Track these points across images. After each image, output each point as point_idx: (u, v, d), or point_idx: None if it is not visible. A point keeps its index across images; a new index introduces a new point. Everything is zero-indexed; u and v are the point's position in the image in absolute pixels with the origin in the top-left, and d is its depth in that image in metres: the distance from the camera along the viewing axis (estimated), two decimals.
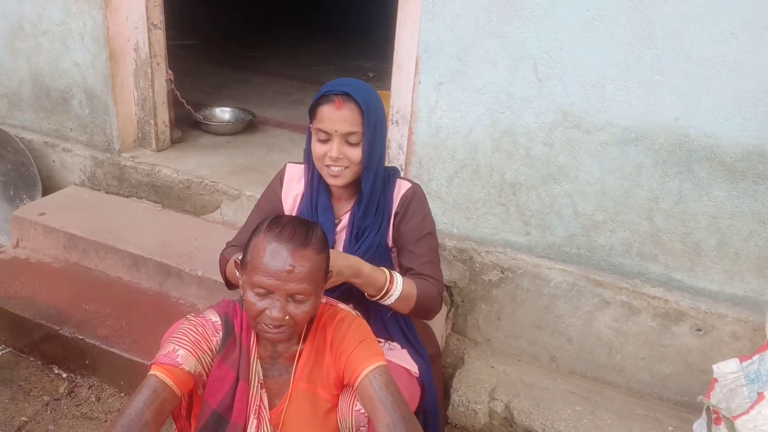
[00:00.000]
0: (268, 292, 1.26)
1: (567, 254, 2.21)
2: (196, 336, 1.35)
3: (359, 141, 1.54)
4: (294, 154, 3.16)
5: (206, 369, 1.35)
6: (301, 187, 1.73)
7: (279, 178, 1.79)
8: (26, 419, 2.10)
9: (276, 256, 1.24)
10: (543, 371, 2.34)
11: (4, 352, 2.42)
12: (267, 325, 1.28)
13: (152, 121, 2.96)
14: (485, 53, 2.04)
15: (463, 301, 2.43)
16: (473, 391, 2.20)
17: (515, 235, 2.26)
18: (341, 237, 1.70)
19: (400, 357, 1.74)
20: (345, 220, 1.69)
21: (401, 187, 1.68)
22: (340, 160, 1.54)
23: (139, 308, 2.45)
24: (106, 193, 3.02)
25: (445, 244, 2.35)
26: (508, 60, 2.02)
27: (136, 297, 2.51)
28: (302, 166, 1.73)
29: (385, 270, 1.58)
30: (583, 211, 2.13)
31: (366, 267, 1.55)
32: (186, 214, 2.86)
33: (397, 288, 1.57)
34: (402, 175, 1.77)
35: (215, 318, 1.39)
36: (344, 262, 1.49)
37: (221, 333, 1.38)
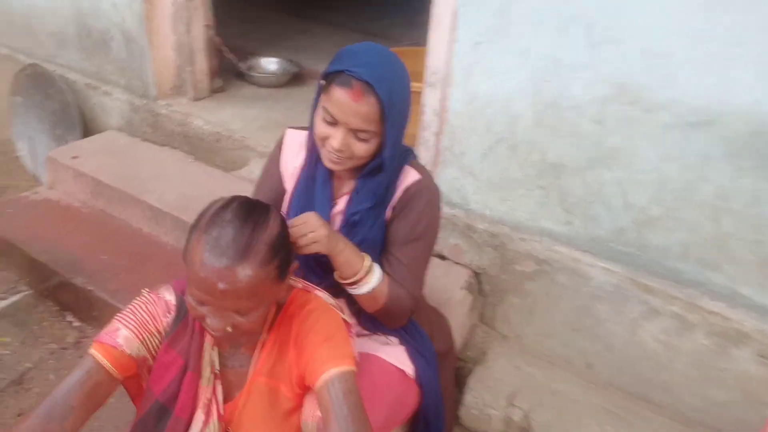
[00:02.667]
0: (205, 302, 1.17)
1: (613, 251, 1.97)
2: (144, 315, 1.29)
3: (370, 138, 1.38)
4: None
5: (153, 353, 1.29)
6: (302, 159, 1.59)
7: (278, 146, 1.66)
8: (30, 366, 2.19)
9: (207, 270, 1.10)
10: (576, 379, 2.15)
11: (25, 294, 2.54)
12: (210, 330, 1.21)
13: (189, 69, 2.93)
14: (530, 9, 1.80)
15: (492, 291, 2.26)
16: (491, 392, 2.06)
17: (554, 224, 2.05)
18: (336, 221, 1.56)
19: (395, 355, 1.62)
20: (342, 203, 1.54)
21: (407, 177, 1.50)
22: (343, 152, 1.39)
23: (154, 263, 2.47)
24: (142, 140, 3.06)
25: (476, 226, 2.18)
26: (556, 19, 1.78)
27: (152, 251, 2.53)
28: (305, 132, 1.58)
29: (367, 258, 1.46)
30: (636, 203, 1.88)
31: (349, 247, 1.43)
32: (215, 168, 2.84)
33: (371, 282, 1.44)
34: (417, 156, 1.60)
35: (170, 296, 1.31)
36: (327, 229, 1.37)
37: (173, 314, 1.30)
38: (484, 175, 2.11)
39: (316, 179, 1.55)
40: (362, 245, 1.51)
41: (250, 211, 1.18)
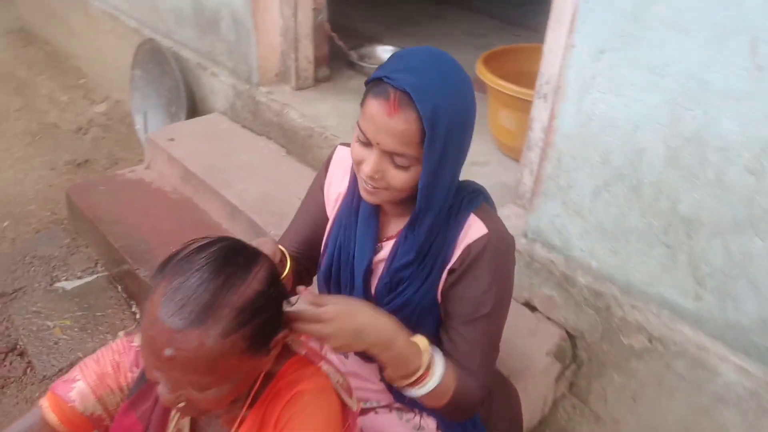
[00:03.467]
0: None
1: (753, 345, 1.47)
2: (108, 367, 1.09)
3: (410, 165, 1.07)
4: None
5: (111, 412, 1.10)
6: (346, 185, 1.31)
7: (325, 165, 1.38)
8: (81, 356, 2.17)
9: (156, 330, 0.86)
10: None
11: (99, 276, 2.54)
12: (161, 400, 0.97)
13: (293, 56, 2.76)
14: (675, 12, 1.35)
15: (589, 360, 1.83)
16: None
17: (679, 295, 1.58)
18: (378, 271, 1.26)
19: None
20: (387, 249, 1.23)
21: (471, 230, 1.16)
22: (376, 180, 1.10)
23: None
24: (242, 126, 2.95)
25: (577, 279, 1.76)
26: (709, 28, 1.31)
27: None
28: None
29: (422, 346, 1.13)
30: None
31: (402, 338, 1.11)
32: (306, 167, 2.65)
33: (433, 379, 1.12)
34: (489, 200, 1.25)
35: None
36: (370, 322, 1.08)
37: (140, 369, 1.10)
38: (593, 217, 1.68)
39: (360, 213, 1.26)
40: (406, 310, 1.21)
41: (228, 261, 0.92)
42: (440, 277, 1.19)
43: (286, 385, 1.05)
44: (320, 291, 1.37)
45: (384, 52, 3.21)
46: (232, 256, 0.93)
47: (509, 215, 1.98)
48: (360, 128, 1.08)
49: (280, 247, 1.29)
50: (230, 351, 0.88)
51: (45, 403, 1.06)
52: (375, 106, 1.02)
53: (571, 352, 1.85)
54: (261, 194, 2.43)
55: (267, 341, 0.96)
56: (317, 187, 1.39)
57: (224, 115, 3.05)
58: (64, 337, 2.22)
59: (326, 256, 1.32)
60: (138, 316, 2.32)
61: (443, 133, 1.03)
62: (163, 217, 2.57)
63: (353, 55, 3.05)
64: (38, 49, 4.97)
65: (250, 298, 0.91)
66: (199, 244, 0.96)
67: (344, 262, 1.29)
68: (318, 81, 2.91)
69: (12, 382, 2.09)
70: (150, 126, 3.43)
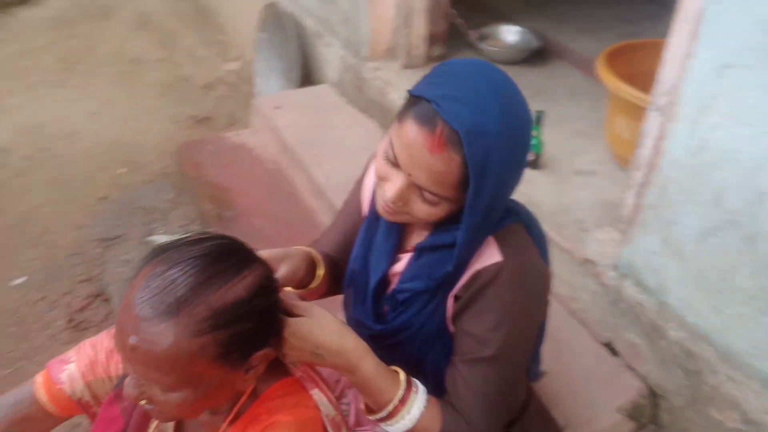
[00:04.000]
0: None
1: None
2: (100, 354, 1.06)
3: (440, 202, 0.93)
4: (567, 108, 2.44)
5: (100, 400, 1.07)
6: None
7: (366, 167, 1.27)
8: None
9: (125, 315, 0.81)
10: None
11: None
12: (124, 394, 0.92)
13: (405, 31, 2.60)
14: None
15: (671, 426, 1.56)
16: None
17: None
18: (394, 284, 1.13)
19: None
20: (404, 262, 1.10)
21: (482, 255, 0.99)
22: (396, 204, 0.96)
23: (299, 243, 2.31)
24: (348, 101, 2.87)
25: (668, 331, 1.48)
26: None
27: (305, 230, 2.36)
28: None
29: (402, 378, 1.01)
30: None
31: (368, 365, 0.99)
32: None
33: (407, 417, 0.99)
34: (520, 220, 1.05)
35: None
36: (331, 344, 0.97)
37: None
38: (696, 263, 1.40)
39: (381, 221, 1.13)
40: (408, 331, 1.08)
41: (218, 259, 0.84)
42: (446, 300, 1.04)
43: (265, 411, 0.96)
44: (345, 295, 1.27)
45: (509, 33, 2.93)
46: (224, 256, 0.85)
47: (604, 240, 1.72)
48: (391, 145, 0.93)
49: (314, 253, 1.21)
50: (197, 353, 0.80)
51: (38, 380, 1.06)
52: (415, 133, 0.88)
53: (650, 412, 1.59)
54: (347, 176, 2.32)
55: (245, 355, 0.88)
56: (356, 190, 1.27)
57: (333, 88, 2.98)
58: None
59: (350, 261, 1.21)
60: None
61: (493, 183, 0.88)
62: (255, 186, 2.59)
63: (473, 35, 2.83)
64: (190, 3, 5.23)
65: (230, 302, 0.82)
66: (196, 236, 0.88)
67: (360, 271, 1.18)
68: (431, 59, 2.73)
69: (93, 326, 2.23)
70: (269, 89, 3.47)
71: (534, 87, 2.61)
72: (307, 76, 3.19)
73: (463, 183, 0.88)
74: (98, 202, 2.86)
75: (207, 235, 0.89)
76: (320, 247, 1.30)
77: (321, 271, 1.18)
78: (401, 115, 0.92)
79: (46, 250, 2.58)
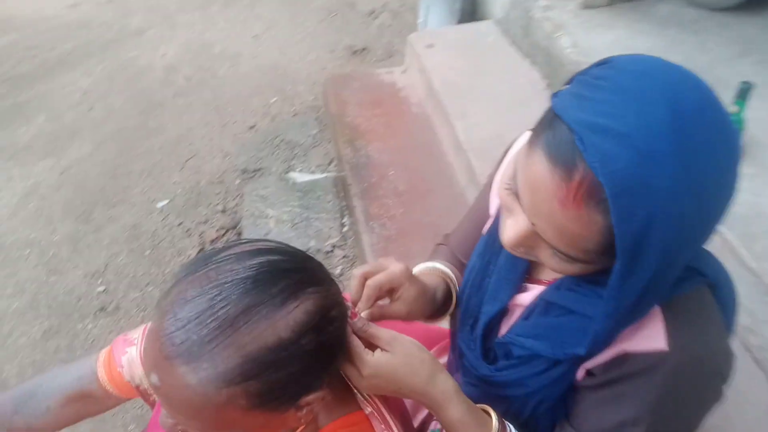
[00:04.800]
0: None
1: None
2: None
3: (575, 262, 0.67)
4: None
5: None
6: None
7: (502, 155, 1.00)
8: None
9: (149, 346, 0.68)
10: None
11: (328, 175, 2.51)
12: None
13: None
14: None
15: None
16: None
17: None
18: (514, 315, 0.88)
19: None
20: (532, 295, 0.85)
21: (640, 333, 0.71)
22: (518, 251, 0.74)
23: (428, 204, 2.10)
24: (510, 43, 2.52)
25: None
26: None
27: (440, 189, 2.14)
28: None
29: (495, 423, 0.81)
30: None
31: (455, 408, 0.80)
32: None
33: None
34: (691, 291, 0.72)
35: None
36: (417, 385, 0.80)
37: None
38: None
39: (503, 250, 0.88)
40: (519, 390, 0.85)
41: (263, 284, 0.67)
42: (575, 370, 0.79)
43: None
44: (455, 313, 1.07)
45: None
46: (270, 280, 0.68)
47: None
48: (516, 172, 0.68)
49: (445, 271, 1.03)
50: (224, 404, 0.67)
51: (101, 357, 1.01)
52: (544, 174, 0.62)
53: None
54: (492, 134, 2.06)
55: (290, 400, 0.73)
56: (489, 183, 1.03)
57: (497, 26, 2.64)
58: (275, 230, 2.29)
59: (465, 272, 0.99)
60: (345, 229, 2.26)
61: (654, 260, 0.60)
62: (395, 132, 2.40)
63: None
64: None
65: (268, 346, 0.65)
66: (246, 248, 0.73)
67: (475, 291, 0.95)
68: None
69: None
70: (430, 22, 3.20)
71: (746, 41, 2.08)
72: (472, 10, 2.87)
73: (608, 250, 0.61)
74: (247, 131, 2.87)
75: (258, 247, 0.73)
76: (452, 246, 1.10)
77: (454, 293, 1.01)
78: (533, 137, 0.65)
79: (190, 174, 2.65)
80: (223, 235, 2.33)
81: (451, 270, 1.04)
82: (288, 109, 2.98)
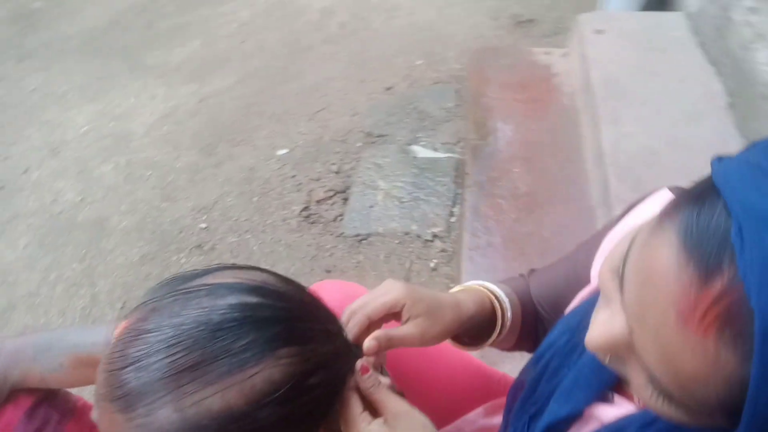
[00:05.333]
0: None
1: None
2: None
3: (677, 408, 0.46)
4: None
5: None
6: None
7: (625, 210, 0.77)
8: (381, 231, 2.06)
9: (100, 369, 0.57)
10: None
11: (452, 156, 2.30)
12: None
13: None
14: None
15: None
16: None
17: None
18: (588, 426, 0.66)
19: None
20: (617, 411, 0.62)
21: None
22: (605, 361, 0.53)
23: (545, 220, 1.83)
24: (698, 44, 2.10)
25: None
26: None
27: (568, 201, 1.86)
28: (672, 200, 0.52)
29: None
30: None
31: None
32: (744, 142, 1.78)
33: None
34: None
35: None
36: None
37: None
38: None
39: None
40: None
41: (227, 336, 0.54)
42: None
43: None
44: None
45: None
46: (236, 330, 0.54)
47: None
48: (632, 247, 0.48)
49: (489, 287, 0.85)
50: None
51: (120, 330, 0.95)
52: (668, 262, 0.42)
53: None
54: (644, 150, 1.73)
55: None
56: (603, 233, 0.80)
57: (687, 20, 2.21)
58: (381, 204, 2.15)
59: (543, 345, 0.78)
60: (452, 220, 2.07)
61: None
62: (534, 123, 2.13)
63: None
64: None
65: (212, 414, 0.52)
66: (227, 279, 0.60)
67: (548, 376, 0.75)
68: None
69: (320, 223, 2.17)
70: (612, 2, 2.81)
71: None
72: None
73: (731, 409, 0.41)
74: (383, 92, 2.72)
75: (243, 279, 0.59)
76: (532, 286, 0.89)
77: (501, 318, 0.82)
78: (670, 208, 0.45)
79: (317, 127, 2.57)
80: (330, 197, 2.24)
81: (502, 290, 0.84)
82: (430, 75, 2.78)
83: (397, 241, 2.02)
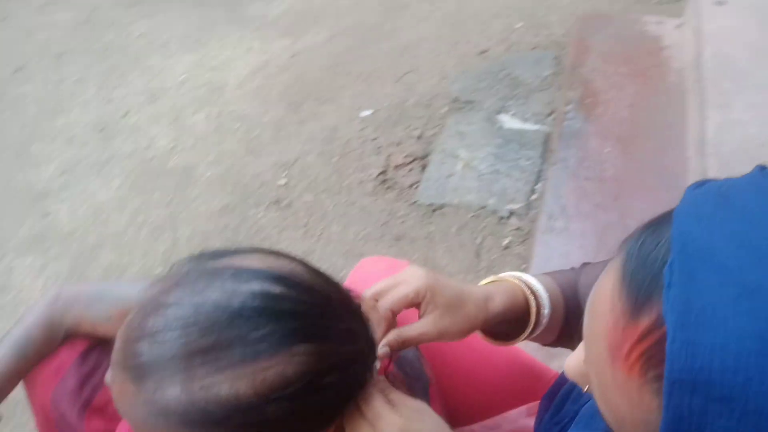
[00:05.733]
0: None
1: None
2: None
3: None
4: None
5: None
6: None
7: None
8: (455, 202, 2.00)
9: (115, 361, 0.57)
10: None
11: (540, 129, 2.17)
12: None
13: None
14: None
15: None
16: None
17: None
18: None
19: None
20: None
21: None
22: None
23: (632, 209, 1.69)
24: None
25: None
26: None
27: (662, 190, 1.71)
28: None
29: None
30: None
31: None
32: None
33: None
34: None
35: None
36: None
37: None
38: None
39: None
40: None
41: (244, 324, 0.52)
42: None
43: None
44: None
45: None
46: (254, 319, 0.52)
47: None
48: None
49: (525, 279, 0.78)
50: None
51: None
52: (607, 291, 0.40)
53: None
54: (754, 141, 1.54)
55: None
56: None
57: None
58: (459, 174, 2.07)
59: None
60: (533, 198, 1.97)
61: None
62: (635, 101, 1.96)
63: None
64: None
65: (220, 400, 0.51)
66: (253, 263, 0.57)
67: (574, 399, 0.70)
68: None
69: (396, 188, 2.13)
70: None
71: None
72: None
73: None
74: (476, 56, 2.60)
75: (271, 266, 0.57)
76: (584, 281, 0.82)
77: (536, 315, 0.74)
78: (631, 235, 0.40)
79: (403, 90, 2.51)
80: (409, 163, 2.19)
81: (543, 284, 0.76)
82: (530, 40, 2.63)
83: (471, 215, 1.96)
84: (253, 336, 0.52)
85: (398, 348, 0.66)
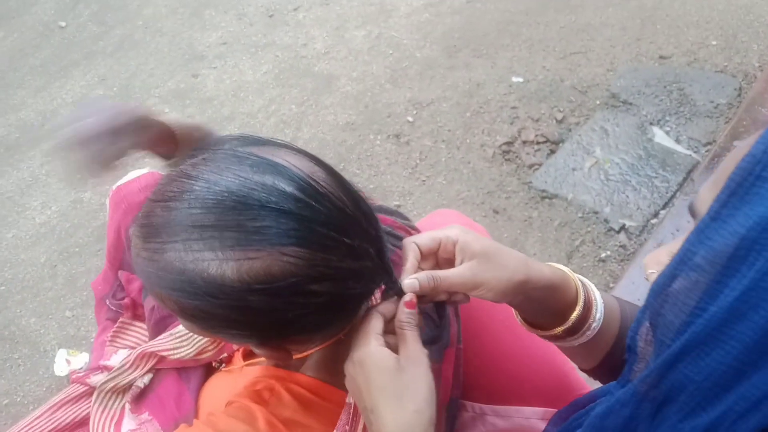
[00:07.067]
0: None
1: None
2: None
3: None
4: None
5: None
6: None
7: None
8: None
9: (136, 217, 0.62)
10: None
11: (693, 156, 1.99)
12: None
13: None
14: None
15: None
16: None
17: None
18: None
19: None
20: None
21: None
22: None
23: None
24: None
25: None
26: None
27: None
28: None
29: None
30: None
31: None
32: None
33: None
34: None
35: None
36: (391, 422, 0.58)
37: None
38: None
39: None
40: None
41: (244, 211, 0.54)
42: None
43: (265, 387, 0.71)
44: None
45: None
46: (256, 210, 0.54)
47: None
48: None
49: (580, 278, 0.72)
50: (166, 300, 0.60)
51: None
52: None
53: None
54: None
55: (232, 337, 0.66)
56: None
57: None
58: (585, 171, 1.96)
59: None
60: (652, 222, 1.83)
61: None
62: None
63: None
64: None
65: (205, 276, 0.54)
66: (278, 156, 0.58)
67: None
68: None
69: (515, 163, 2.05)
70: None
71: None
72: None
73: None
74: (654, 59, 2.39)
75: (290, 161, 0.57)
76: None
77: (582, 310, 0.68)
78: None
79: (564, 68, 2.37)
80: (539, 143, 2.10)
81: (603, 297, 0.70)
82: (718, 61, 2.37)
83: (580, 215, 1.86)
84: (249, 225, 0.53)
85: (427, 287, 0.62)
